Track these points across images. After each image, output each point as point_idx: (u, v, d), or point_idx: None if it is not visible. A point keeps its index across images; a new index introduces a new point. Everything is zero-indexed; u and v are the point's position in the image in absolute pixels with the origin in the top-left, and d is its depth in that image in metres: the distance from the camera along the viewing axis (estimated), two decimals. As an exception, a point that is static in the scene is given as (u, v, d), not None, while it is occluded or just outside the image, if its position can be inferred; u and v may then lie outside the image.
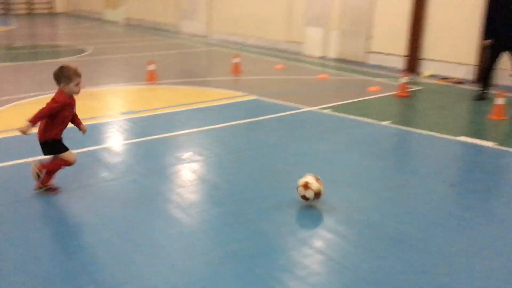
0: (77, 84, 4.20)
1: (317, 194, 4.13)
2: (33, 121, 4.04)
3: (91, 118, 6.80)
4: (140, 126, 6.55)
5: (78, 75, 4.20)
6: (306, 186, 4.12)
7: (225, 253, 3.47)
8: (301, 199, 4.18)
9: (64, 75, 4.15)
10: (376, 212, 4.19)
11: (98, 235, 3.68)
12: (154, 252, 3.46)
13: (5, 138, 5.88)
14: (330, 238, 3.74)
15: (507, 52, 8.40)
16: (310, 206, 4.21)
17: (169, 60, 12.68)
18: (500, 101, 7.47)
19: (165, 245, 3.57)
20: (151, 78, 9.48)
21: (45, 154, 4.32)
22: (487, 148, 6.12)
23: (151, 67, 9.50)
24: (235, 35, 16.38)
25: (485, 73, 8.80)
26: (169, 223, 3.88)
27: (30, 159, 4.76)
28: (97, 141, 5.84)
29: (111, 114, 7.12)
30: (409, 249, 3.59)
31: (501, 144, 6.20)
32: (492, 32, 8.36)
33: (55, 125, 4.21)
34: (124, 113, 7.14)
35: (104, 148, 5.64)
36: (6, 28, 19.98)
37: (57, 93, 4.21)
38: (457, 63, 10.87)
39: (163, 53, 13.79)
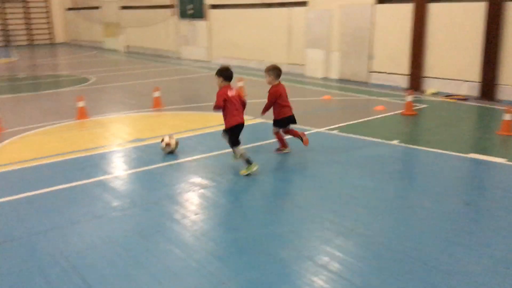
0: None
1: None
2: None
3: (99, 147, 6.78)
4: (148, 154, 6.51)
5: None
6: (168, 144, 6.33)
7: (244, 281, 3.40)
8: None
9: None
10: (393, 233, 4.13)
11: (116, 267, 3.62)
12: (171, 282, 3.39)
13: (16, 170, 5.85)
14: (350, 261, 3.67)
15: None
16: (327, 229, 4.17)
17: (172, 86, 12.73)
18: (508, 116, 7.45)
19: (183, 274, 3.50)
20: (157, 104, 9.50)
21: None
22: (499, 164, 6.08)
23: (156, 93, 9.52)
24: (237, 59, 16.49)
25: None
26: (186, 252, 3.82)
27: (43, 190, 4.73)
28: (107, 170, 5.81)
29: (119, 142, 7.10)
30: (431, 270, 3.52)
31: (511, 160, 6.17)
32: None
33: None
34: (131, 141, 7.11)
35: (114, 177, 5.60)
36: (8, 60, 20.15)
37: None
38: (460, 80, 10.91)
39: (166, 79, 13.86)
